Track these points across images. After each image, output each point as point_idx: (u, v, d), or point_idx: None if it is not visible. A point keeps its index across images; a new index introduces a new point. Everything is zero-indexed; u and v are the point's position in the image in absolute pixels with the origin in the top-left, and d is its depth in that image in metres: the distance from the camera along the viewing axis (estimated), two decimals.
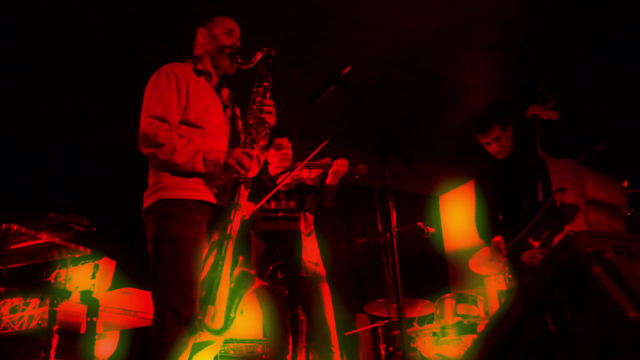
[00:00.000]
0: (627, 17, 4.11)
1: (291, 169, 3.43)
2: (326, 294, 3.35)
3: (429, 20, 4.19)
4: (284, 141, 3.58)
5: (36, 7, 3.82)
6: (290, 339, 3.37)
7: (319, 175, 3.39)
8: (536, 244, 3.13)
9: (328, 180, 3.35)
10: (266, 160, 3.57)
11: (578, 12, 4.10)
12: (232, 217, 2.31)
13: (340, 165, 3.33)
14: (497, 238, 3.46)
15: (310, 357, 3.85)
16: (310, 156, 3.33)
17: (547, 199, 3.04)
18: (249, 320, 4.41)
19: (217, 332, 2.24)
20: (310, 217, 3.54)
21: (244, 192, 2.36)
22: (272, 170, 3.59)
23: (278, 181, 3.42)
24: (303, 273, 3.35)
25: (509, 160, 3.55)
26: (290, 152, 3.57)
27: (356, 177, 3.40)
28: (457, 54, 4.63)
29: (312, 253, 3.45)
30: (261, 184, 3.50)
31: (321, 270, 3.44)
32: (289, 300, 3.36)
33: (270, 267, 3.25)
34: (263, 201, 3.31)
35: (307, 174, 3.38)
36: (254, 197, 3.38)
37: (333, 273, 3.52)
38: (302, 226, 3.46)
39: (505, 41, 4.44)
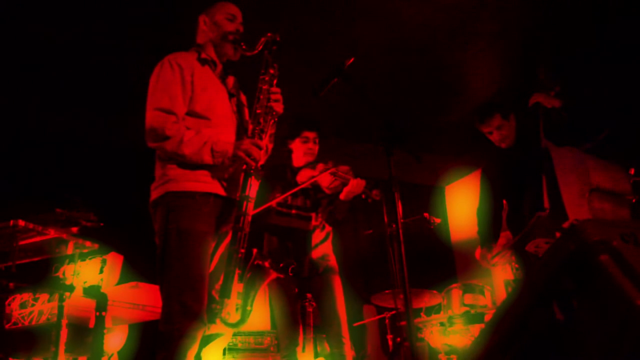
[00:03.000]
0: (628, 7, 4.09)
1: (313, 166, 3.39)
2: (337, 286, 3.35)
3: (432, 10, 4.16)
4: (312, 135, 3.47)
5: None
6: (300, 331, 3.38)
7: (336, 187, 3.34)
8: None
9: (342, 196, 3.32)
10: (291, 149, 3.52)
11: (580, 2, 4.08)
12: (244, 209, 2.29)
13: (355, 187, 3.28)
14: (483, 249, 3.52)
15: (319, 349, 3.86)
16: (332, 170, 3.27)
17: (552, 197, 3.02)
18: (257, 312, 4.40)
19: (235, 325, 2.24)
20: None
21: (254, 184, 2.33)
22: (296, 161, 3.52)
23: (298, 178, 3.38)
24: (313, 272, 3.37)
25: (513, 149, 3.53)
26: (316, 147, 3.48)
27: (370, 200, 3.38)
28: (462, 44, 4.60)
29: (322, 248, 3.44)
30: (282, 174, 3.46)
31: (332, 263, 3.44)
32: (298, 294, 3.37)
33: (281, 265, 3.24)
34: (281, 198, 3.30)
35: (328, 182, 3.32)
36: (273, 185, 3.36)
37: (340, 265, 3.52)
38: (313, 222, 3.44)
39: (508, 31, 4.41)
